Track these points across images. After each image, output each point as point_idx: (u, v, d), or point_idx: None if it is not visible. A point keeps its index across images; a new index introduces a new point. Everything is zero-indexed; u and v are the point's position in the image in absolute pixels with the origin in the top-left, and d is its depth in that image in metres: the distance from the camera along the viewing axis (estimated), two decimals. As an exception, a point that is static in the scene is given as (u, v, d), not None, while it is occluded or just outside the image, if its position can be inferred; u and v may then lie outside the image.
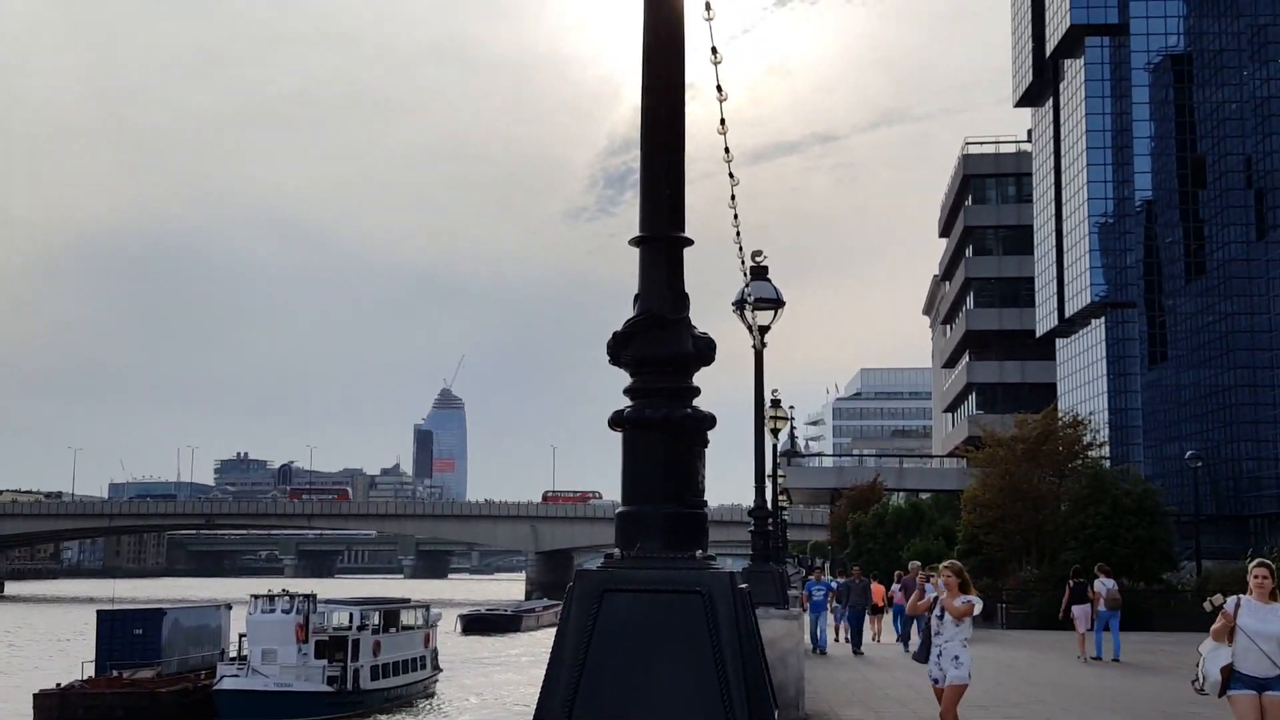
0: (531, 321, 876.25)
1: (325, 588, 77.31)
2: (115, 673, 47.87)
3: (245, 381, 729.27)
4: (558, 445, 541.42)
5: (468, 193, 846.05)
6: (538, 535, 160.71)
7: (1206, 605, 13.94)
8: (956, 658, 13.43)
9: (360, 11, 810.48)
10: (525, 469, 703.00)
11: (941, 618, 13.78)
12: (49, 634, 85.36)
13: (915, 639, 20.71)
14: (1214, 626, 12.42)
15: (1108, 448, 64.27)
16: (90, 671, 48.13)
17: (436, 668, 58.44)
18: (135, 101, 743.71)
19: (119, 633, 49.96)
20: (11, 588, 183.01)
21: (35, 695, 45.13)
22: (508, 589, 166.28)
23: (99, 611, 52.59)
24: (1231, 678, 12.00)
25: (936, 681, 13.71)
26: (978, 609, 14.16)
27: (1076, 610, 30.88)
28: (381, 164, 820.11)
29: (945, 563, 15.27)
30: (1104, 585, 30.36)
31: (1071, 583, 32.18)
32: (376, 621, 52.20)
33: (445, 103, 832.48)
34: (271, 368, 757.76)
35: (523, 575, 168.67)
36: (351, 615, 51.18)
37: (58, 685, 45.98)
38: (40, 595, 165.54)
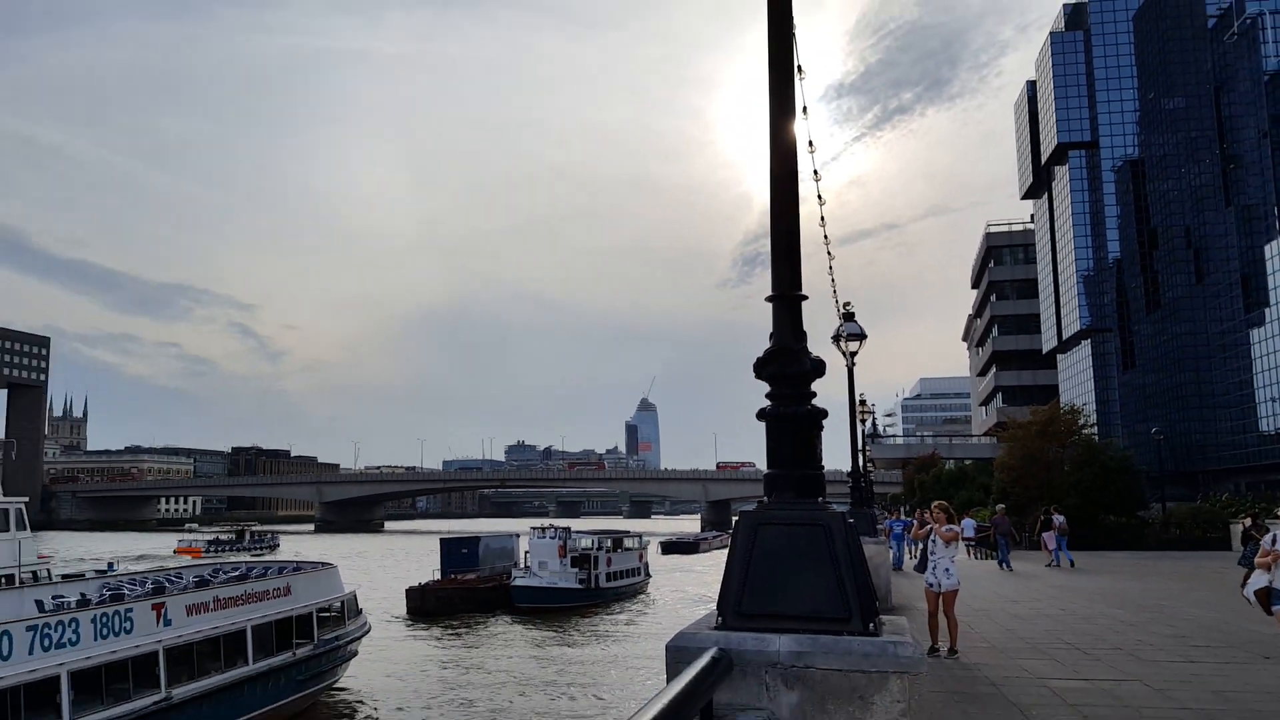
0: (696, 354, 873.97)
1: (575, 524, 78.79)
2: (453, 575, 49.71)
3: (520, 396, 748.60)
4: (718, 433, 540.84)
5: (651, 271, 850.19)
6: (707, 491, 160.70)
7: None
8: (947, 570, 12.60)
9: (581, 161, 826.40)
10: (697, 448, 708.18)
11: (935, 541, 13.04)
12: (411, 553, 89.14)
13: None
14: (1258, 559, 11.28)
15: (1096, 428, 61.05)
16: (437, 575, 50.09)
17: (648, 574, 58.73)
18: (447, 224, 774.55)
19: (453, 551, 51.74)
20: (390, 525, 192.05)
21: (407, 590, 47.31)
22: (688, 525, 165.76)
23: (441, 539, 54.40)
24: (1271, 596, 11.00)
25: (931, 586, 12.70)
26: (963, 534, 13.35)
27: (1045, 535, 31.27)
28: (594, 255, 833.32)
29: (935, 502, 14.22)
30: (1057, 519, 31.13)
31: (1042, 518, 32.73)
32: (608, 545, 52.87)
33: (635, 215, 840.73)
34: (535, 388, 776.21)
35: (698, 516, 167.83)
36: (592, 541, 52.06)
37: (419, 583, 48.12)
38: (405, 530, 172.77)
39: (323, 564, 28.17)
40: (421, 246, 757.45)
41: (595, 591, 49.16)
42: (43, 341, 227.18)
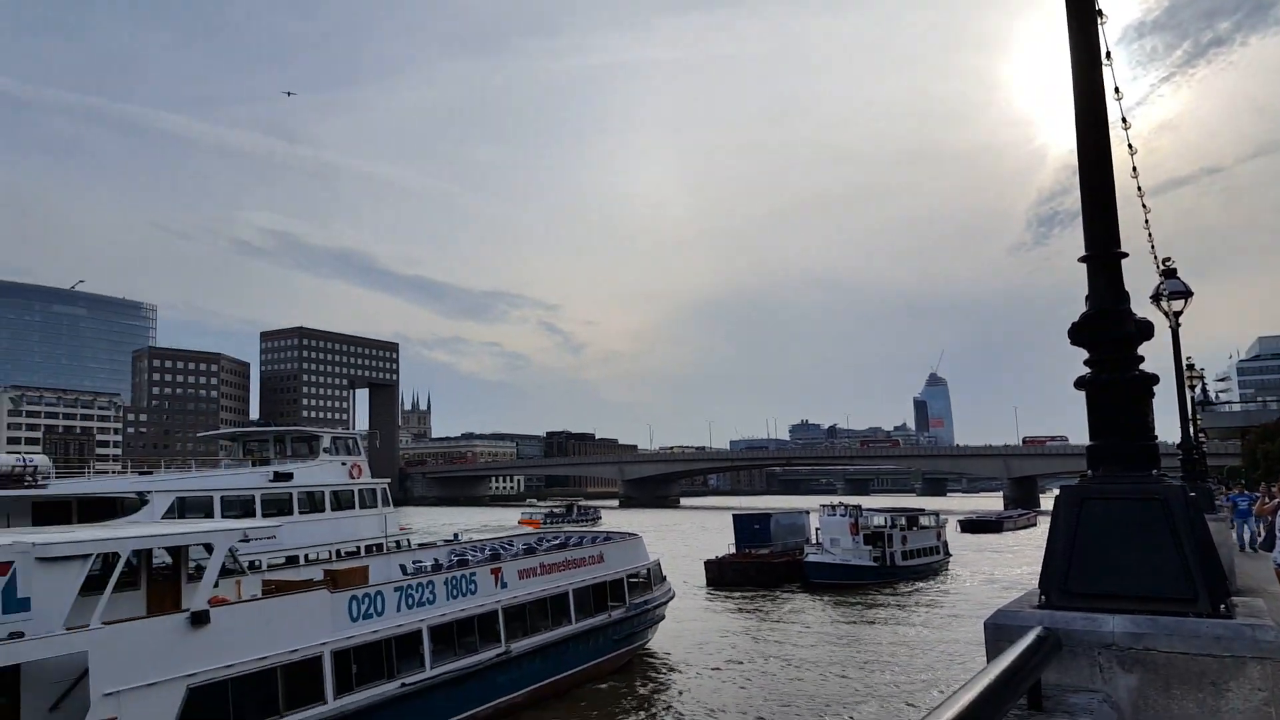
0: (988, 325, 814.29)
1: (865, 502, 76.86)
2: (746, 550, 50.67)
3: (802, 376, 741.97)
4: (1018, 406, 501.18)
5: (936, 242, 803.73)
6: (1009, 467, 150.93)
7: None
8: None
9: (860, 138, 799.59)
10: (993, 423, 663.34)
11: None
12: (706, 527, 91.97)
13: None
14: None
15: None
16: (732, 549, 51.30)
17: (947, 554, 56.20)
18: (720, 214, 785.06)
19: (746, 527, 52.52)
20: (685, 501, 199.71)
21: (705, 562, 48.95)
22: (988, 503, 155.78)
23: (733, 515, 55.49)
24: None
25: (1278, 564, 11.38)
26: None
27: None
28: (876, 232, 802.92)
29: None
30: None
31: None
32: (902, 523, 51.23)
33: (918, 187, 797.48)
34: (817, 367, 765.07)
35: (999, 494, 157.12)
36: (885, 519, 50.67)
37: (716, 556, 49.59)
38: (697, 505, 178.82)
39: (629, 534, 29.91)
40: (701, 238, 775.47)
41: (890, 570, 47.80)
42: (393, 347, 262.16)
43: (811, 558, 47.53)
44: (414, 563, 24.86)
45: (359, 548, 30.92)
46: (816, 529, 50.76)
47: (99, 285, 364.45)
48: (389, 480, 37.44)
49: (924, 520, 54.54)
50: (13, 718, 12.56)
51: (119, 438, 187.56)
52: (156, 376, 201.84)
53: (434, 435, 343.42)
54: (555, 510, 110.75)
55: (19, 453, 25.68)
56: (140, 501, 26.40)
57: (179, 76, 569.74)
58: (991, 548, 70.84)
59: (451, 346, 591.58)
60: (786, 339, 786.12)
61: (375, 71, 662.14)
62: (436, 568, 23.30)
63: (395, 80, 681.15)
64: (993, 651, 3.05)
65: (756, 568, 46.88)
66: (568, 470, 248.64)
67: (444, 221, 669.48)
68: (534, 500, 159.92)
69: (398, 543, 33.87)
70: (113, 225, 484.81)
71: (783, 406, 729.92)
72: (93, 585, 13.47)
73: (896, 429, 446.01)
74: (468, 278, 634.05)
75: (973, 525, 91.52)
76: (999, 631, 3.19)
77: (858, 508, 50.66)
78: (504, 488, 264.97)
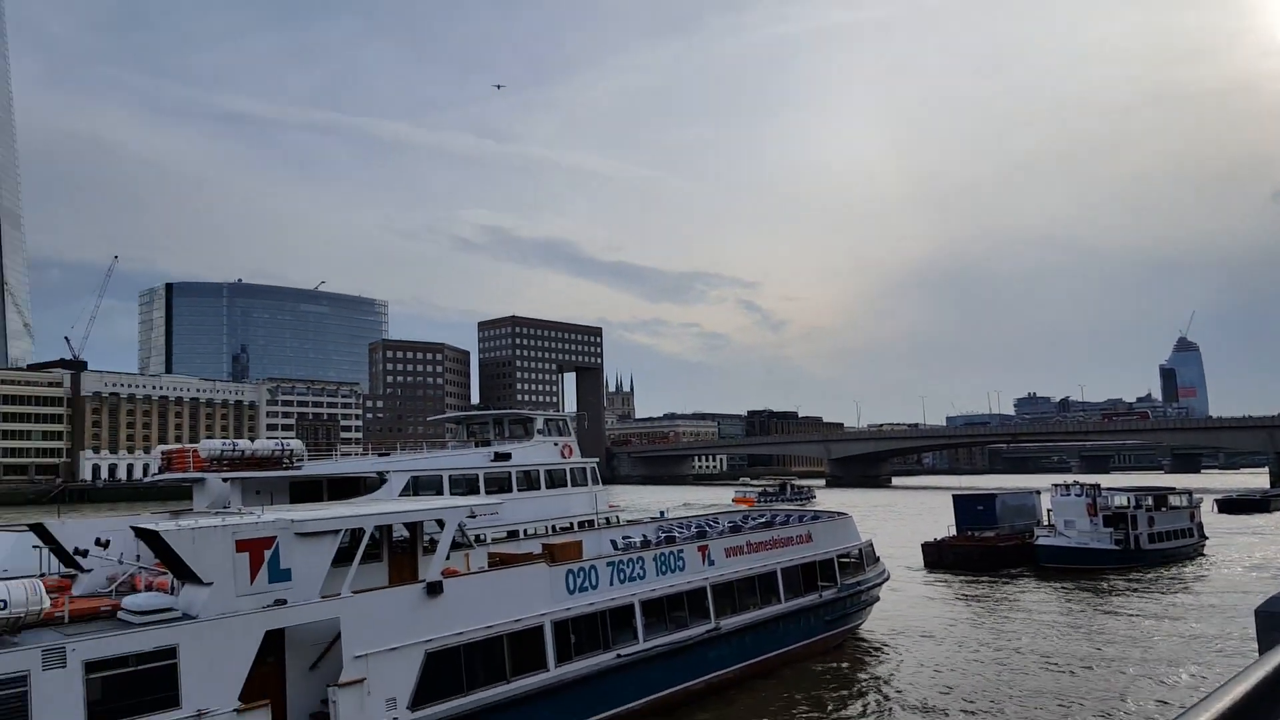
0: (1249, 282, 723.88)
1: (1104, 480, 71.05)
2: (968, 532, 48.43)
3: (1027, 345, 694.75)
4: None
5: (1182, 193, 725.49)
6: (1274, 439, 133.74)
7: None
8: None
9: (1087, 83, 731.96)
10: (1255, 391, 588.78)
11: None
12: (921, 508, 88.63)
13: None
14: None
15: None
16: (953, 531, 49.24)
17: (1202, 536, 50.89)
18: (938, 177, 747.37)
19: (967, 508, 50.28)
20: (896, 481, 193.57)
21: (922, 544, 47.28)
22: (1250, 480, 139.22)
23: (953, 495, 53.09)
24: None
25: None
26: None
27: None
28: (1110, 186, 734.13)
29: None
30: None
31: None
32: (1148, 503, 46.97)
33: (1157, 133, 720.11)
34: (1045, 335, 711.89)
35: (1264, 470, 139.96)
36: (1128, 498, 46.71)
37: (934, 538, 47.75)
38: (912, 486, 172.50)
39: (838, 514, 29.35)
40: (911, 203, 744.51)
41: (1135, 554, 44.02)
42: (597, 331, 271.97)
43: (1043, 540, 44.84)
44: (624, 539, 25.73)
45: (572, 523, 32.45)
46: (1048, 510, 48.03)
47: (338, 285, 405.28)
48: (597, 460, 38.96)
49: (1174, 500, 49.70)
50: (279, 675, 14.24)
51: (359, 423, 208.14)
52: (389, 366, 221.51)
53: (637, 416, 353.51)
54: (769, 489, 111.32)
55: (277, 438, 29.01)
56: (380, 480, 29.13)
57: (398, 85, 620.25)
58: (1255, 530, 63.50)
59: (652, 329, 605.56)
60: (1008, 306, 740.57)
61: (574, 64, 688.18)
62: (645, 544, 23.99)
63: (593, 71, 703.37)
64: (1265, 643, 2.74)
65: (980, 551, 44.68)
66: (771, 449, 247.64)
67: (643, 206, 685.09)
68: (748, 479, 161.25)
69: (607, 519, 35.20)
70: (348, 229, 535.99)
71: (1006, 379, 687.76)
72: (342, 557, 14.99)
73: (1140, 400, 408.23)
74: (666, 260, 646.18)
75: (1232, 505, 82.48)
76: (1271, 620, 2.84)
77: (1095, 487, 47.07)
78: (706, 467, 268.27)
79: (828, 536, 26.44)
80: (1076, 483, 48.04)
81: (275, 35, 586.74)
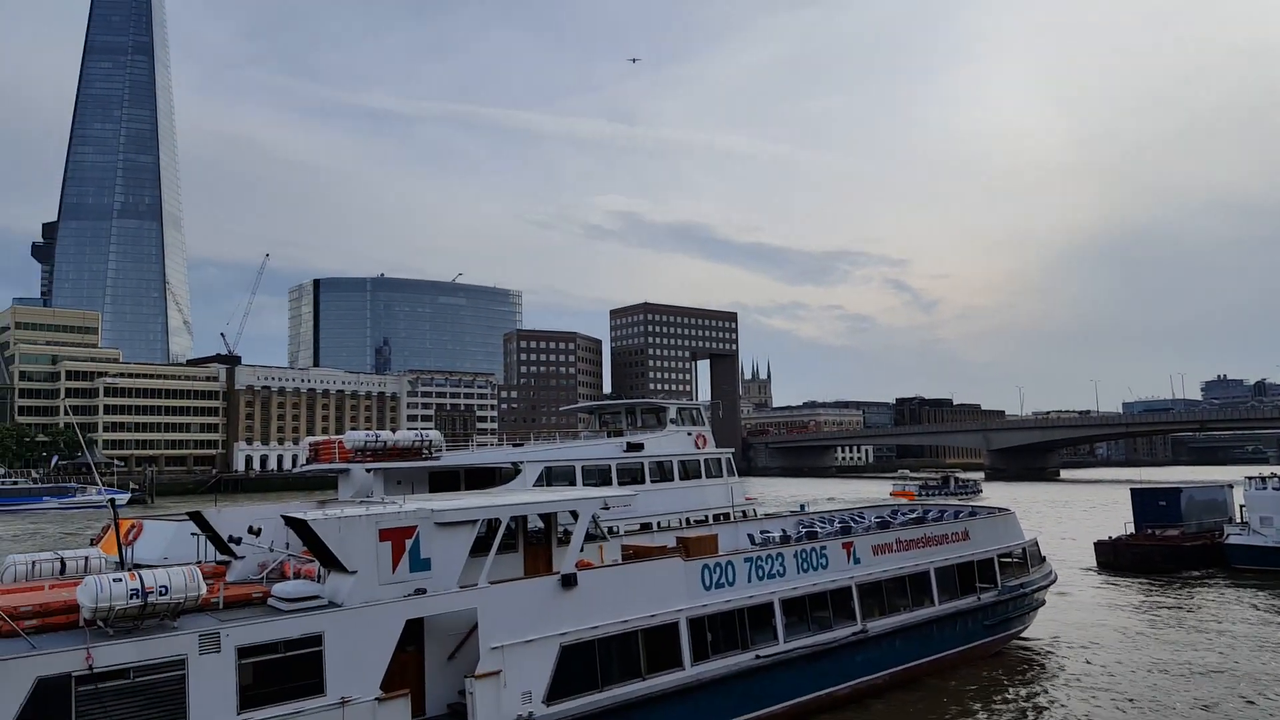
0: None
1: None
2: (1148, 530, 45.49)
3: (1215, 324, 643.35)
4: None
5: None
6: None
7: None
8: None
9: (1273, 26, 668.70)
10: None
11: None
12: (1092, 504, 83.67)
13: None
14: None
15: None
16: (1130, 529, 46.44)
17: None
18: (1104, 141, 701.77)
19: (1148, 503, 47.32)
20: (1065, 474, 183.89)
21: (1095, 543, 44.77)
22: None
23: (1131, 489, 50.09)
24: None
25: None
26: None
27: None
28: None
29: None
30: None
31: None
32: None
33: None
34: (1235, 312, 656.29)
35: None
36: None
37: (1109, 537, 45.10)
38: (1083, 479, 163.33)
39: (999, 509, 28.03)
40: (1075, 170, 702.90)
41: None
42: (731, 317, 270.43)
43: (1235, 539, 41.62)
44: (761, 533, 25.42)
45: (707, 516, 32.38)
46: (1241, 505, 44.64)
47: (474, 276, 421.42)
48: (733, 450, 38.76)
49: None
50: (418, 665, 14.82)
51: (494, 413, 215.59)
52: (523, 356, 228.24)
53: (775, 404, 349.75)
54: (930, 481, 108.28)
55: (417, 429, 30.32)
56: (514, 471, 30.00)
57: (527, 72, 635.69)
58: None
59: (790, 312, 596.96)
60: (1192, 280, 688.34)
61: (702, 40, 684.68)
62: (784, 539, 23.61)
63: (720, 46, 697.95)
64: None
65: (1162, 551, 41.83)
66: (923, 439, 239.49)
67: (780, 184, 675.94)
68: (906, 471, 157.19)
69: (744, 512, 34.95)
70: (482, 220, 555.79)
71: (1191, 361, 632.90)
72: (479, 548, 15.40)
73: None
74: (806, 240, 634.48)
75: None
76: None
77: (1299, 481, 42.98)
78: (850, 458, 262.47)
79: (987, 534, 25.28)
80: (1275, 475, 44.12)
81: (409, 30, 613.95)
